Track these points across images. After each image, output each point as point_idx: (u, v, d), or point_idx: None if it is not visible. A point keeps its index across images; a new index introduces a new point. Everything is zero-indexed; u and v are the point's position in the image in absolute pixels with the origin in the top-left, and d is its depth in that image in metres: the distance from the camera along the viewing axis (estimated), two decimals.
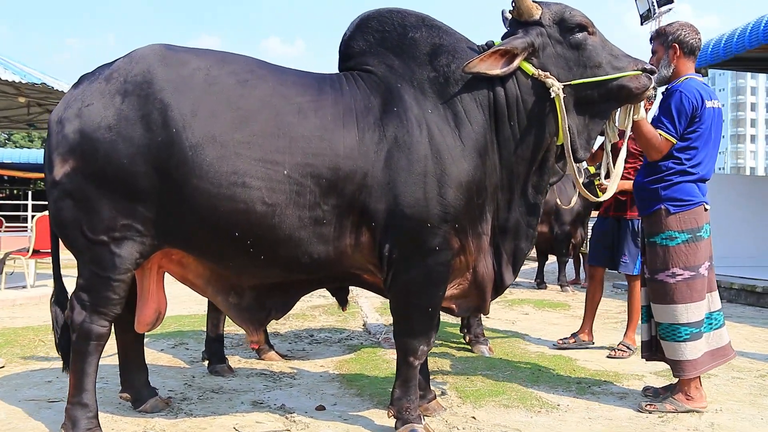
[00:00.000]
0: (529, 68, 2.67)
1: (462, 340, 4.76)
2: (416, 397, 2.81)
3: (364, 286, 2.94)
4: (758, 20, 7.50)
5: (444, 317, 4.59)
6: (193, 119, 2.47)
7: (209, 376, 3.86)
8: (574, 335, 4.70)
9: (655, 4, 8.59)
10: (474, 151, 2.62)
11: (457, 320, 4.93)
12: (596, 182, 4.77)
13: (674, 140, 3.13)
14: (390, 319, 6.05)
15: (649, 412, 3.13)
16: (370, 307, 6.71)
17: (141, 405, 3.06)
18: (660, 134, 3.12)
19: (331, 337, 5.20)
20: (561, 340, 4.71)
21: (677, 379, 3.23)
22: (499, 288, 2.85)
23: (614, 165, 2.96)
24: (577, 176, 2.84)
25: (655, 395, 3.41)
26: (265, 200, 2.47)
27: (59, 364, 4.11)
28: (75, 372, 2.62)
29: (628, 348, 4.41)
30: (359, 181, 2.53)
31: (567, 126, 2.67)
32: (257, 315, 2.85)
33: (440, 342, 4.79)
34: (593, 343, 4.69)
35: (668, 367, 3.34)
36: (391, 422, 2.87)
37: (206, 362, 4.03)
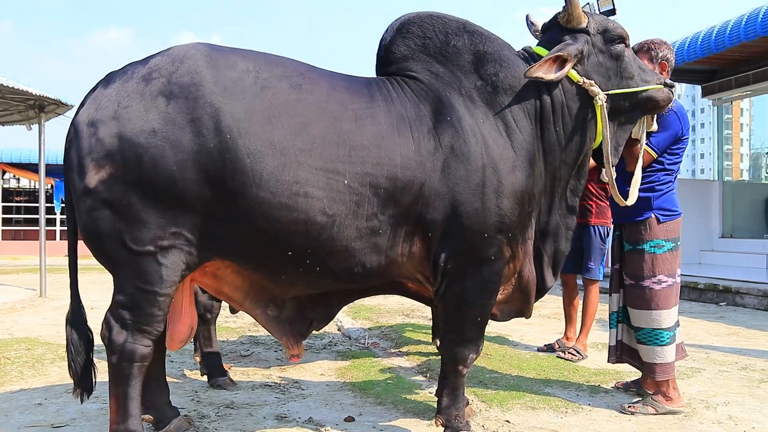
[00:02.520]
0: (574, 75, 2.73)
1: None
2: (464, 404, 2.80)
3: (406, 295, 2.90)
4: (695, 35, 8.06)
5: (422, 319, 4.72)
6: (249, 125, 2.34)
7: (212, 390, 3.69)
8: (558, 341, 4.74)
9: (598, 13, 8.95)
10: (526, 160, 2.65)
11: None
12: None
13: (655, 155, 3.28)
14: (367, 323, 6.11)
15: (632, 413, 3.20)
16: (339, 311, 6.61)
17: (164, 426, 2.86)
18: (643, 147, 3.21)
19: (314, 344, 5.10)
20: (556, 345, 4.71)
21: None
22: (541, 291, 2.89)
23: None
24: (613, 180, 2.94)
25: (625, 388, 3.57)
26: (326, 211, 2.38)
27: (38, 383, 3.84)
28: (117, 397, 2.41)
29: (578, 353, 4.45)
30: (416, 191, 2.49)
31: (608, 132, 2.76)
32: (299, 327, 2.75)
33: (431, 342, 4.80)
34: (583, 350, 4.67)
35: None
36: (433, 430, 2.86)
37: (205, 376, 3.85)
